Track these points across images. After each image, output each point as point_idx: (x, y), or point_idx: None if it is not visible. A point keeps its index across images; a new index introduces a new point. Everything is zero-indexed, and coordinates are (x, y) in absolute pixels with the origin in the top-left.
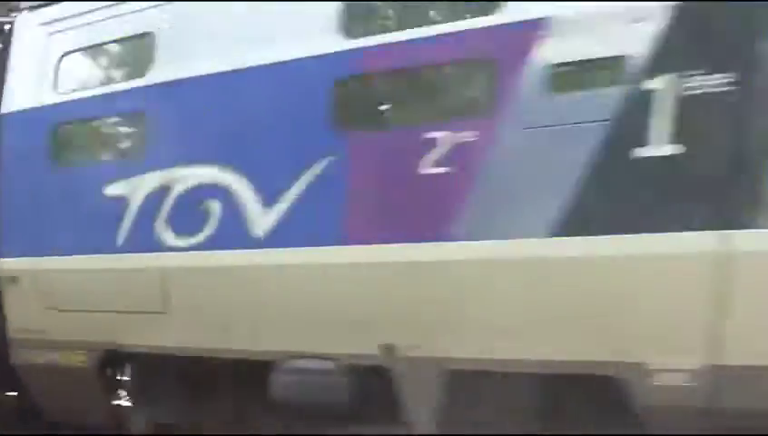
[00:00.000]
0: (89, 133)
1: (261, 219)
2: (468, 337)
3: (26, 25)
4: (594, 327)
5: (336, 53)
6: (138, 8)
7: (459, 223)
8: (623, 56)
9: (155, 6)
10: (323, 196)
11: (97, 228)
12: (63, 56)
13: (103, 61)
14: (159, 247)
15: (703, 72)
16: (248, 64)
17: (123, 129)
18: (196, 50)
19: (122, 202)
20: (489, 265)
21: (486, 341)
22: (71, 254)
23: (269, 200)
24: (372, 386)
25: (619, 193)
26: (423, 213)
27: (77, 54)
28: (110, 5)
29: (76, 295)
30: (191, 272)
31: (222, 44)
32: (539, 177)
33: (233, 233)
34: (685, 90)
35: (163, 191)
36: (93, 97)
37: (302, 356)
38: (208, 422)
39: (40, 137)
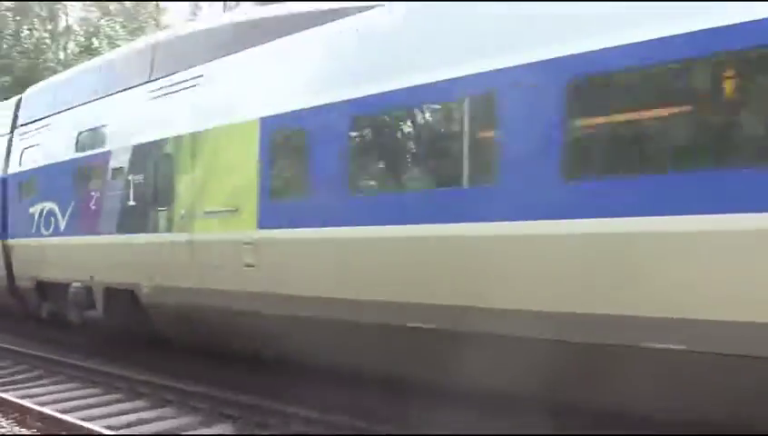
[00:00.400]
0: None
1: (61, 224)
2: (112, 275)
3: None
4: (126, 269)
5: (74, 159)
6: (35, 131)
7: (101, 228)
8: (121, 167)
9: (41, 129)
10: (74, 216)
11: (29, 227)
12: (23, 150)
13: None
14: (41, 235)
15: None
16: (59, 160)
17: (37, 185)
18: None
19: (33, 215)
20: (110, 246)
21: (116, 276)
22: (25, 238)
23: (63, 217)
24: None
25: (131, 216)
26: (95, 223)
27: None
28: (30, 129)
29: (30, 255)
30: (50, 245)
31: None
32: (110, 210)
33: (56, 230)
34: (135, 182)
35: (41, 211)
36: (29, 170)
37: (75, 281)
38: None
39: (16, 185)
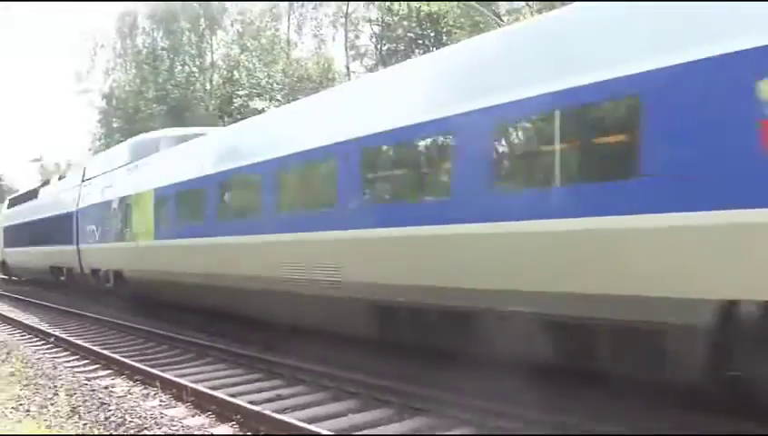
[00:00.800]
0: (86, 215)
1: (96, 237)
2: (114, 264)
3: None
4: (119, 261)
5: (99, 202)
6: (88, 185)
7: (109, 239)
8: (115, 208)
9: (90, 184)
10: (100, 233)
11: (86, 238)
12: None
13: (94, 195)
14: (89, 243)
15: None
16: (95, 202)
17: (88, 215)
18: (92, 198)
19: (87, 232)
20: (112, 248)
21: (116, 265)
22: (85, 244)
23: (96, 233)
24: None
25: (119, 233)
26: (107, 236)
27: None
28: (86, 184)
29: (86, 254)
30: (92, 248)
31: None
32: (111, 230)
33: (94, 240)
34: (119, 215)
35: (89, 230)
36: (85, 206)
37: (102, 268)
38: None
39: (81, 215)
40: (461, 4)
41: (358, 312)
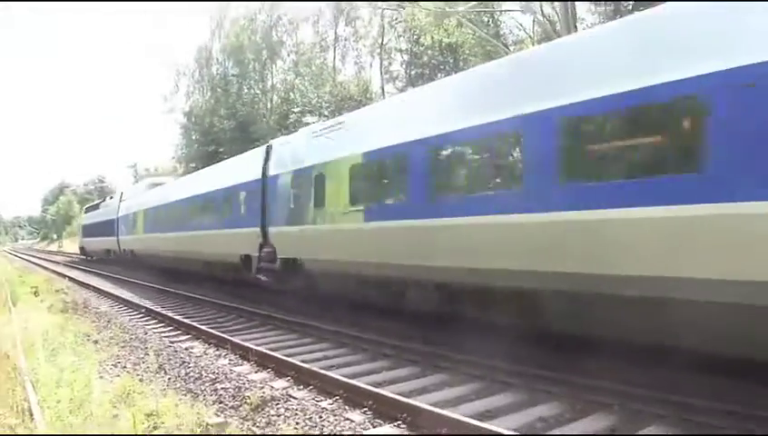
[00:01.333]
0: (122, 220)
1: (125, 232)
2: (132, 246)
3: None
4: (132, 245)
5: (126, 213)
6: (124, 202)
7: (127, 233)
8: (129, 218)
9: (124, 202)
10: (126, 230)
11: (122, 232)
12: (119, 210)
13: (123, 209)
14: (121, 235)
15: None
16: (125, 214)
17: (123, 221)
18: (124, 210)
19: (122, 229)
20: (130, 238)
21: (131, 246)
22: (121, 236)
23: (125, 230)
24: None
25: (130, 230)
26: (127, 231)
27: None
28: (124, 202)
29: (122, 241)
30: (123, 239)
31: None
32: (128, 228)
33: (123, 234)
34: (129, 222)
35: (122, 228)
36: (122, 215)
37: (128, 248)
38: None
39: (120, 220)
40: (475, 36)
41: None
